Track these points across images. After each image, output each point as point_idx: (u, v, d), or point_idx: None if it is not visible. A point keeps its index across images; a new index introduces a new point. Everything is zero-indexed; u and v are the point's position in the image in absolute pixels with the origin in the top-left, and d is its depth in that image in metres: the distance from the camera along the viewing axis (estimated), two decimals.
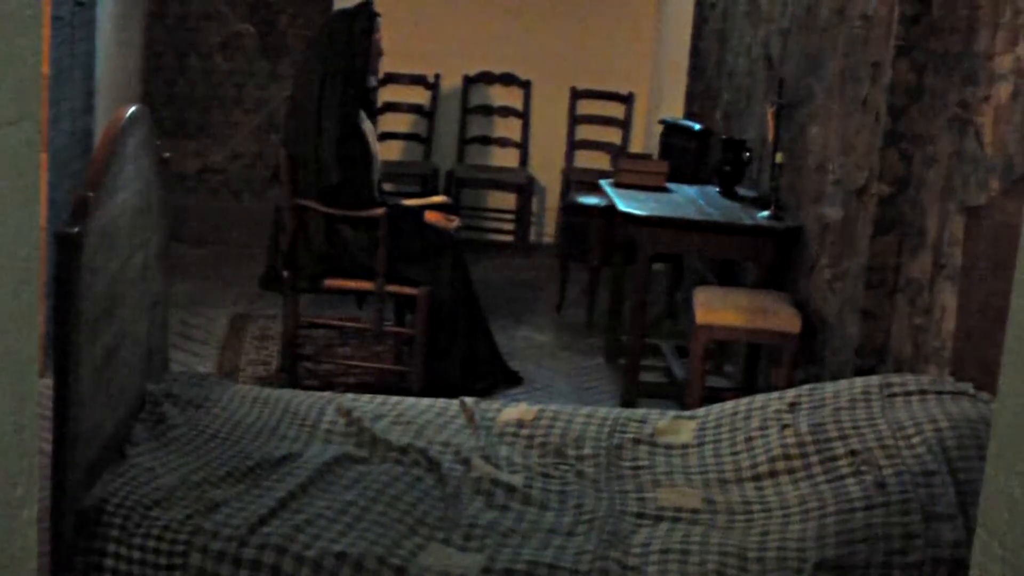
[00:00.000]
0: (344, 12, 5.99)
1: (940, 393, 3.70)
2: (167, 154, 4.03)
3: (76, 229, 2.97)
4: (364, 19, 5.81)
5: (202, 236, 8.44)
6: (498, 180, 9.41)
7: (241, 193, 9.16)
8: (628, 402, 5.76)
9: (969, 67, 4.23)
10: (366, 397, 4.11)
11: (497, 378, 6.10)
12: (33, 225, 1.66)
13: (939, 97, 4.49)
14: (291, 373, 5.85)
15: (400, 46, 8.02)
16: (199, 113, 9.07)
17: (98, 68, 6.87)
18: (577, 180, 8.98)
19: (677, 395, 5.92)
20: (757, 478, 3.56)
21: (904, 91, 4.68)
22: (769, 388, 5.46)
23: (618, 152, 8.93)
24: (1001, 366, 1.75)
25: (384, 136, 8.59)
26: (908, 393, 3.72)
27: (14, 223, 1.60)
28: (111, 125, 3.36)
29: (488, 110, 9.52)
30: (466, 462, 3.61)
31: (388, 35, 6.08)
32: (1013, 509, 1.69)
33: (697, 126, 7.62)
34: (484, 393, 5.74)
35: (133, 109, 3.52)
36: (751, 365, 6.00)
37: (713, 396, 5.38)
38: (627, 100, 9.38)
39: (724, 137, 6.65)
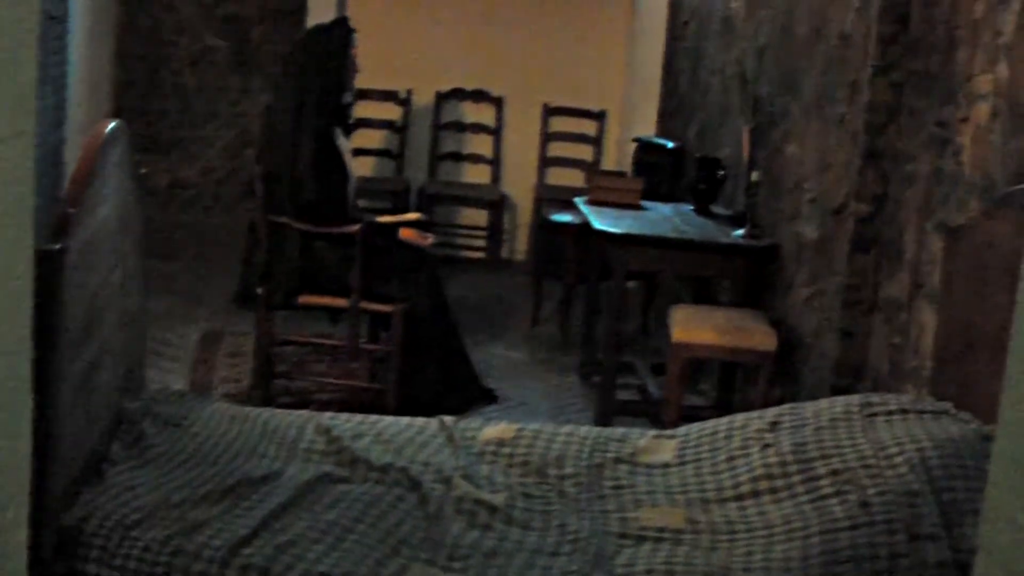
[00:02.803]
0: (320, 28, 5.97)
1: (921, 412, 3.69)
2: (143, 170, 4.00)
3: (58, 246, 2.94)
4: (340, 35, 5.79)
5: (173, 251, 8.38)
6: (470, 197, 9.40)
7: (213, 208, 9.12)
8: (603, 420, 5.74)
9: (948, 87, 4.25)
10: (345, 416, 4.08)
11: (472, 396, 6.07)
12: (27, 243, 1.64)
13: (917, 116, 4.50)
14: (264, 390, 5.81)
15: (372, 62, 7.99)
16: (171, 128, 9.03)
17: (70, 82, 6.83)
18: (549, 197, 8.98)
19: (653, 413, 5.90)
20: (740, 498, 3.54)
21: (882, 110, 4.69)
22: (745, 406, 5.45)
23: (591, 169, 8.93)
24: (1003, 387, 1.75)
25: (356, 152, 8.55)
26: (889, 413, 3.72)
27: (10, 242, 1.57)
28: (91, 141, 3.33)
29: (460, 126, 9.52)
30: (447, 481, 3.58)
31: (360, 51, 6.06)
32: (1016, 533, 1.68)
33: (671, 144, 7.62)
34: (459, 411, 5.70)
35: (112, 125, 3.49)
36: (726, 383, 5.99)
37: (690, 415, 5.36)
38: (599, 117, 9.39)
39: (699, 155, 6.65)
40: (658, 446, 3.91)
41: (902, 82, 4.65)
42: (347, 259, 5.66)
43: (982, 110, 3.98)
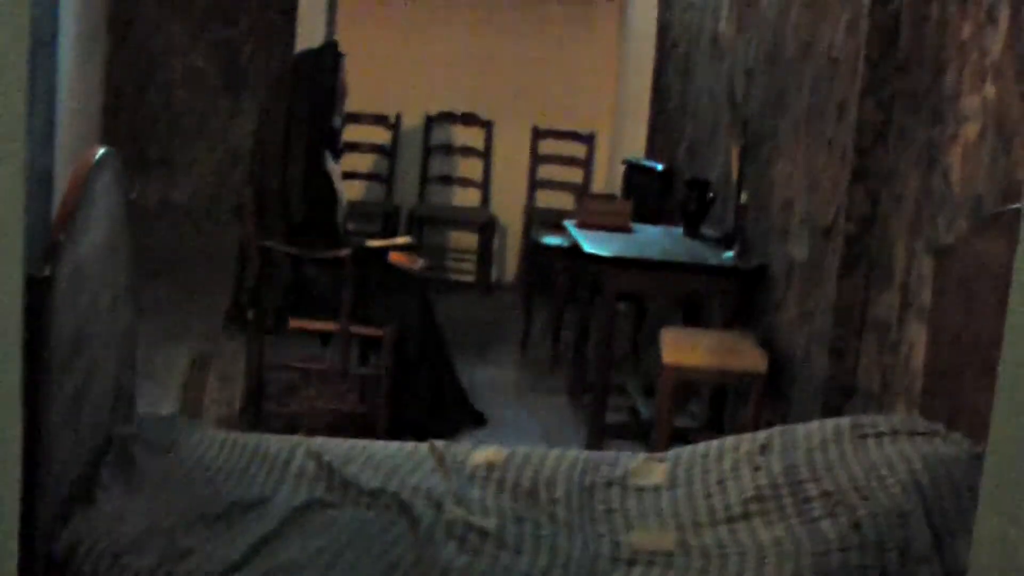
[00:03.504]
0: (310, 52, 5.99)
1: (912, 434, 3.69)
2: (134, 195, 3.99)
3: (47, 272, 2.93)
4: (330, 59, 5.80)
5: (163, 273, 8.35)
6: (460, 219, 9.41)
7: (202, 229, 9.11)
8: (594, 442, 5.74)
9: (936, 106, 4.26)
10: (335, 440, 4.07)
11: (462, 418, 6.07)
12: (15, 269, 1.63)
13: (906, 136, 4.52)
14: (255, 414, 5.79)
15: (361, 86, 8.01)
16: (160, 148, 9.03)
17: (59, 104, 6.82)
18: (539, 219, 8.99)
19: (643, 435, 5.91)
20: (731, 520, 3.53)
21: (870, 130, 4.70)
22: (736, 427, 5.46)
23: (581, 192, 8.95)
24: (992, 409, 1.75)
25: (345, 176, 8.55)
26: (880, 434, 3.71)
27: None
28: (81, 166, 3.32)
29: (450, 149, 9.53)
30: (438, 505, 3.57)
31: (349, 74, 6.07)
32: (1006, 551, 1.68)
33: (660, 166, 7.63)
34: (449, 434, 5.70)
35: (102, 150, 3.49)
36: (717, 404, 5.99)
37: (680, 436, 5.37)
38: (589, 140, 9.40)
39: (688, 177, 6.66)
40: (649, 468, 3.90)
41: (890, 102, 4.66)
42: (337, 283, 5.65)
43: (970, 129, 3.99)
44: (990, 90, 3.87)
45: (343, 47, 6.02)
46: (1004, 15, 3.80)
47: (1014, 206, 3.53)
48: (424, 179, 9.50)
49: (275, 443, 3.98)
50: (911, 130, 4.47)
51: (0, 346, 1.59)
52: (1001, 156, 3.76)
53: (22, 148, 1.59)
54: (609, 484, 3.81)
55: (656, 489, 3.79)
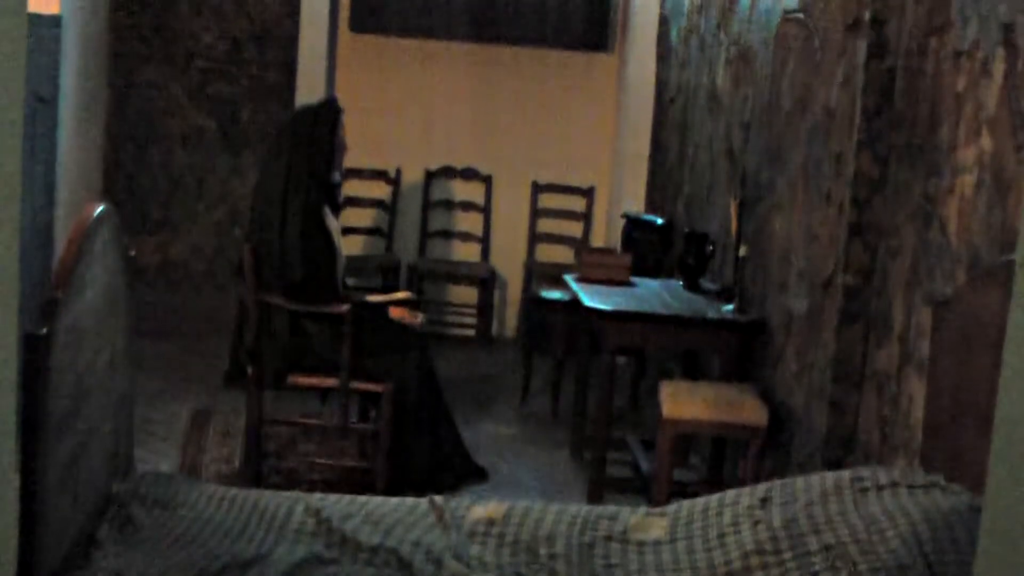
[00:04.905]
0: (308, 108, 6.01)
1: (911, 486, 3.68)
2: (132, 252, 4.01)
3: (44, 330, 2.93)
4: (328, 115, 5.82)
5: (163, 331, 8.36)
6: (460, 274, 9.42)
7: (202, 287, 9.12)
8: (595, 496, 5.72)
9: (932, 159, 4.27)
10: (334, 496, 4.06)
11: (463, 473, 6.05)
12: (11, 329, 1.64)
13: (903, 189, 4.53)
14: (254, 470, 5.78)
15: (361, 141, 8.04)
16: (160, 207, 9.06)
17: (59, 163, 6.85)
18: (539, 273, 9.00)
19: (644, 489, 5.89)
20: (731, 574, 3.52)
21: (867, 183, 4.72)
22: (736, 480, 5.45)
23: (580, 246, 8.96)
24: (990, 460, 1.75)
25: (345, 231, 8.59)
26: (880, 487, 3.70)
27: None
28: (79, 224, 3.33)
29: (450, 204, 9.55)
30: (437, 562, 3.56)
31: (349, 129, 6.09)
32: None
33: (659, 220, 7.65)
34: (450, 489, 5.69)
35: (100, 208, 3.50)
36: (717, 457, 5.98)
37: (680, 489, 5.35)
38: (588, 193, 9.42)
39: (687, 231, 6.68)
40: (649, 523, 3.89)
41: (887, 155, 4.68)
42: (336, 338, 5.65)
43: (966, 182, 4.00)
44: (986, 142, 3.89)
45: (342, 103, 6.05)
46: (999, 68, 3.83)
47: (1010, 257, 3.54)
48: (424, 234, 9.52)
49: (274, 499, 3.97)
50: (908, 183, 4.49)
51: None
52: (997, 208, 3.77)
53: (16, 209, 1.60)
54: (609, 539, 3.80)
55: (656, 544, 3.78)
